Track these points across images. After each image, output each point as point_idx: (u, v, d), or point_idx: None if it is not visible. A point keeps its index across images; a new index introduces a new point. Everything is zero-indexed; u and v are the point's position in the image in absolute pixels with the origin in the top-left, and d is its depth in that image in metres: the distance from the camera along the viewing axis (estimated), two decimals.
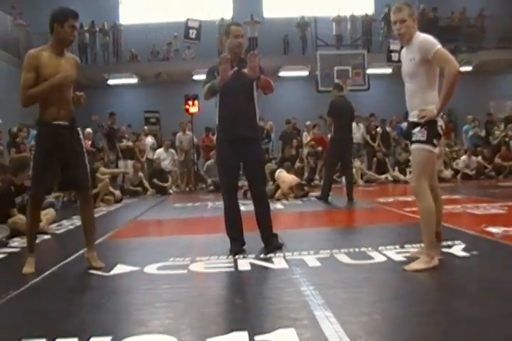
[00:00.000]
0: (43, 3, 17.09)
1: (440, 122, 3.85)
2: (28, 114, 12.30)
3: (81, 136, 4.28)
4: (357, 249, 4.48)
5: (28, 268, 4.10)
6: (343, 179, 10.08)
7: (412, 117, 3.91)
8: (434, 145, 3.83)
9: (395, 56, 15.19)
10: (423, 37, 3.81)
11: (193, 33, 14.75)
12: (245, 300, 3.19)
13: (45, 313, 3.06)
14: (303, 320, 2.71)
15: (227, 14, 18.79)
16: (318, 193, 9.20)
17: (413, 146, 3.89)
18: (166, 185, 12.74)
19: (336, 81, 14.34)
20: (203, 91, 4.59)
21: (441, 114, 3.85)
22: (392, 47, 15.35)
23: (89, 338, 2.52)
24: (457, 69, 3.69)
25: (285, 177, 9.90)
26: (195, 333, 2.59)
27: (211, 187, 12.72)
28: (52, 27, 4.03)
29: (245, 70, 4.47)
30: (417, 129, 3.82)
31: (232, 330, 2.58)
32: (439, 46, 3.74)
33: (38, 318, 2.97)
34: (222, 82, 4.39)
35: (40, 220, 4.78)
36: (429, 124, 3.79)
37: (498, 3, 19.07)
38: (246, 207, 5.87)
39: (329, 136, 14.11)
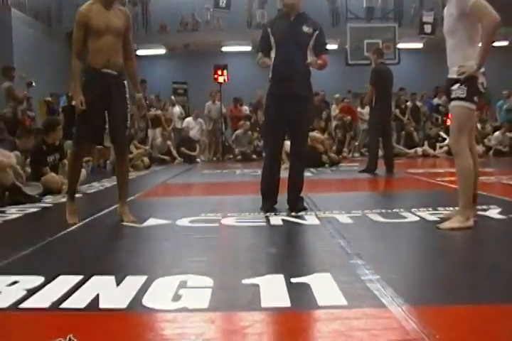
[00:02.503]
0: None
1: (481, 79, 3.72)
2: (58, 83, 12.45)
3: (127, 89, 4.24)
4: (389, 210, 4.44)
5: (72, 218, 4.14)
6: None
7: (452, 74, 3.79)
8: (475, 103, 3.72)
9: (427, 28, 14.85)
10: None
11: (222, 2, 14.58)
12: (279, 249, 3.19)
13: (82, 255, 3.13)
14: (338, 266, 2.70)
15: None
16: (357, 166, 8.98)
17: (452, 103, 3.78)
18: (193, 153, 12.76)
19: (366, 54, 14.08)
20: (257, 56, 4.66)
21: (483, 70, 3.74)
22: (424, 18, 14.97)
23: (125, 277, 2.54)
24: (496, 21, 3.56)
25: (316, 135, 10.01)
26: (231, 275, 2.60)
27: (239, 157, 12.73)
28: None
29: (304, 27, 4.47)
30: (457, 86, 3.71)
31: (268, 273, 2.58)
32: None
33: (76, 258, 3.03)
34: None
35: (81, 170, 4.75)
36: (470, 81, 3.66)
37: None
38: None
39: (359, 109, 14.10)
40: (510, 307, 2.09)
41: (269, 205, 4.59)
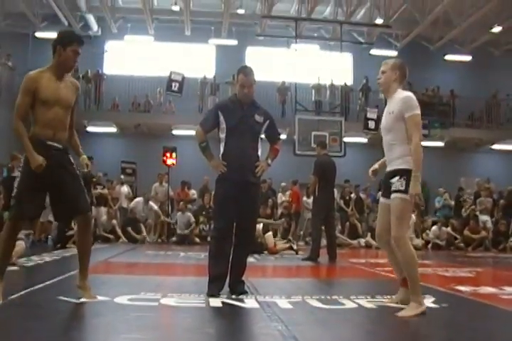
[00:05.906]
0: (30, 47, 17.36)
1: None
2: (1, 153, 12.27)
3: (75, 165, 4.03)
4: (328, 297, 4.49)
5: None
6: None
7: (390, 167, 4.07)
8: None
9: (371, 124, 15.65)
10: (409, 94, 4.06)
11: (175, 86, 14.95)
12: (216, 330, 3.18)
13: (10, 330, 3.00)
14: None
15: (210, 73, 19.17)
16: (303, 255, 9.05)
17: (393, 195, 4.00)
18: (138, 237, 12.64)
19: (313, 145, 14.60)
20: (197, 133, 4.70)
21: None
22: (369, 115, 15.80)
23: None
24: (419, 144, 3.92)
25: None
26: None
27: (175, 239, 12.74)
28: (54, 48, 3.91)
29: (256, 116, 4.66)
30: (396, 179, 3.97)
31: None
32: (418, 112, 3.98)
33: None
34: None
35: (14, 247, 4.29)
36: (407, 175, 3.93)
37: (467, 85, 19.76)
38: None
39: (304, 198, 14.41)
40: None
41: (216, 290, 4.44)
